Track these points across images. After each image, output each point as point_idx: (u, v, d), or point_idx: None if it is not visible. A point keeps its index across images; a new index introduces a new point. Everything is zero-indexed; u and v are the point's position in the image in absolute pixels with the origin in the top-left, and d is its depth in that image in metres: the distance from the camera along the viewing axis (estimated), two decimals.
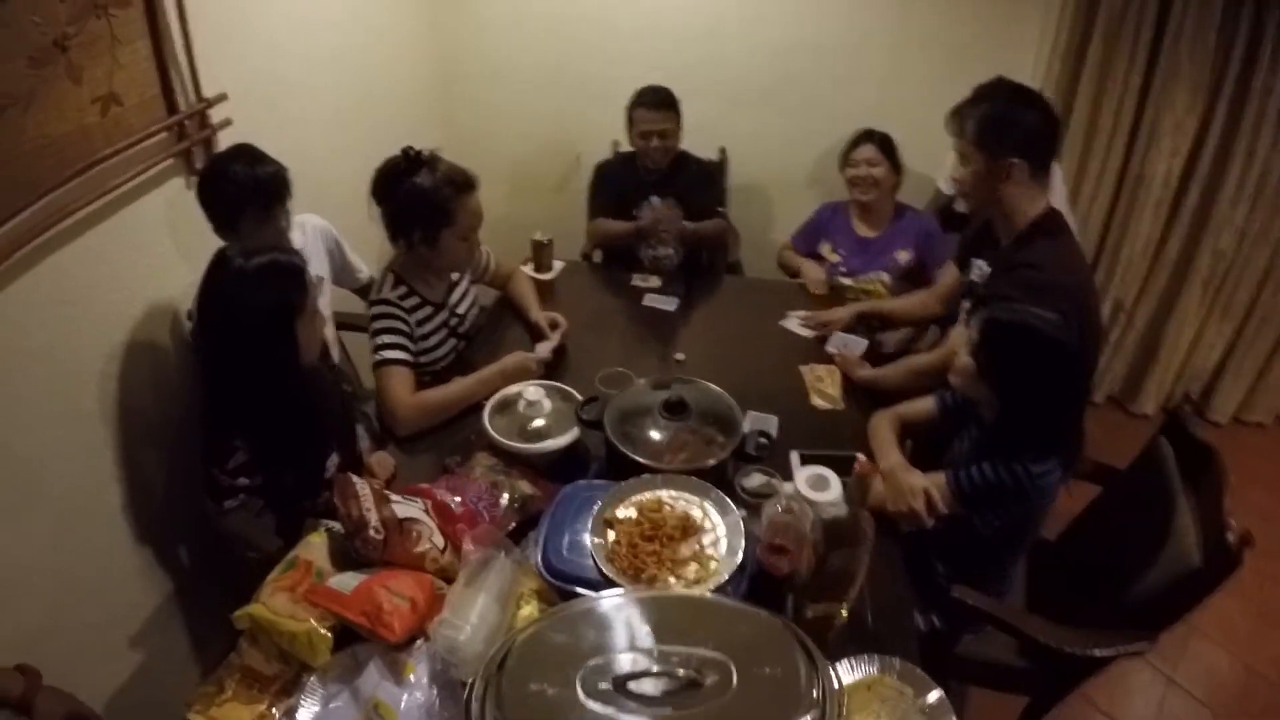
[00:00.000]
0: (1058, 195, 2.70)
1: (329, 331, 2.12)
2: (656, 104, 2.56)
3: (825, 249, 2.72)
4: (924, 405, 1.78)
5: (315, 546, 1.41)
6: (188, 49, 1.82)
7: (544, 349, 1.97)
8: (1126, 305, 3.23)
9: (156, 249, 1.84)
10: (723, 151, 3.12)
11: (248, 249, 1.50)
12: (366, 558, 1.36)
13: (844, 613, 1.26)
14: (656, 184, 2.69)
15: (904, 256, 2.62)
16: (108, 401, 1.73)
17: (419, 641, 1.27)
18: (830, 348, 2.18)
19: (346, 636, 1.27)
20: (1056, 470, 1.50)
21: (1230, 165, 2.92)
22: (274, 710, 1.23)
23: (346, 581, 1.32)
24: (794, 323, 2.29)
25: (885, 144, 2.57)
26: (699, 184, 2.77)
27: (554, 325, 2.10)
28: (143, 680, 1.87)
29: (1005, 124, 1.67)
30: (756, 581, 1.32)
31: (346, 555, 1.39)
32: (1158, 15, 2.72)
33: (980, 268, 1.90)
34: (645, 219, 2.62)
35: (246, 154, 1.75)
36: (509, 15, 3.15)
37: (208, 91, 1.90)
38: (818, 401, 1.98)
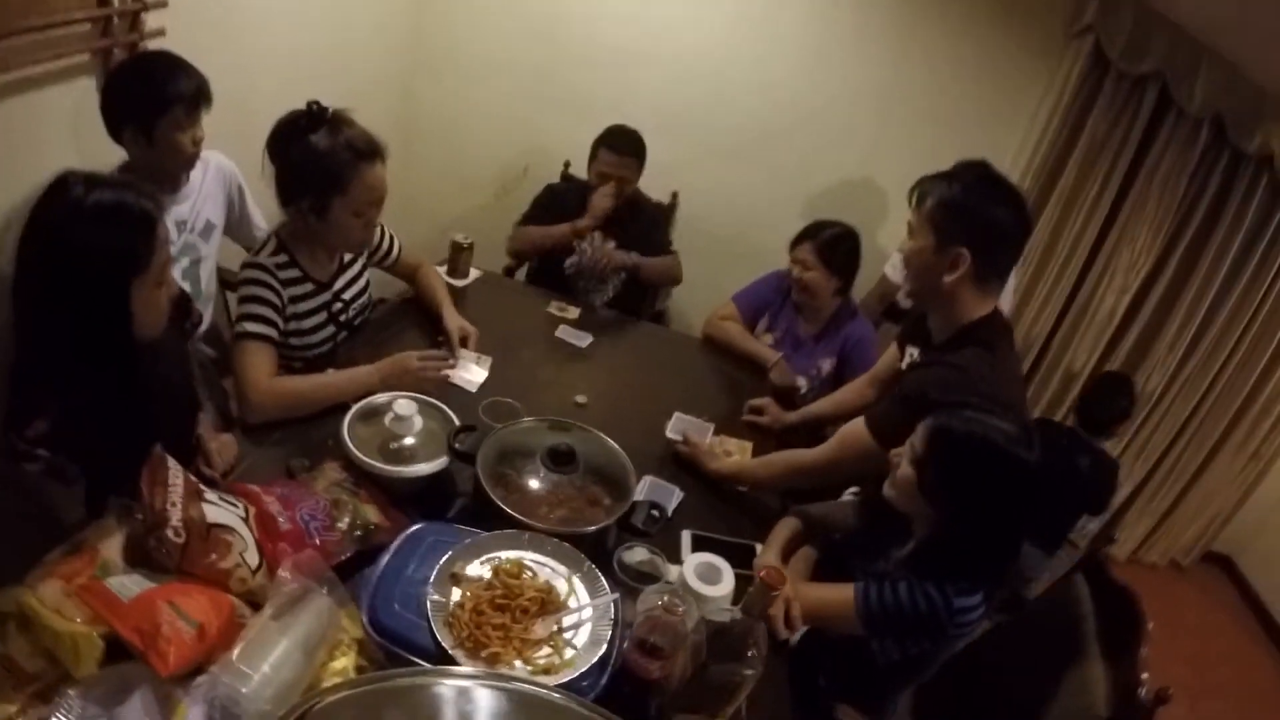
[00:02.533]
0: (1005, 298, 2.62)
1: (207, 287, 1.88)
2: (622, 148, 2.48)
3: (761, 325, 2.47)
4: (841, 510, 1.60)
5: (110, 533, 1.16)
6: None
7: (461, 372, 1.74)
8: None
9: (51, 149, 1.61)
10: (675, 195, 3.00)
11: (95, 179, 1.21)
12: (160, 561, 1.13)
13: None
14: (604, 222, 2.54)
15: (826, 366, 2.37)
16: None
17: (200, 678, 1.04)
18: (671, 434, 1.86)
19: (123, 647, 1.04)
20: (980, 608, 1.31)
21: (1175, 310, 2.95)
22: (23, 717, 1.00)
23: (128, 586, 1.09)
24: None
25: (827, 247, 2.27)
26: (648, 230, 2.64)
27: (464, 339, 1.86)
28: None
29: (966, 210, 1.46)
30: (619, 680, 1.11)
31: (145, 551, 1.14)
32: (1136, 150, 2.72)
33: (913, 356, 1.68)
34: (583, 258, 2.47)
35: (168, 59, 1.61)
36: (501, 7, 2.97)
37: None
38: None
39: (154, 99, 1.56)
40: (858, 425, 1.58)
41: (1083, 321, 3.02)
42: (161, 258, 1.25)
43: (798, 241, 2.32)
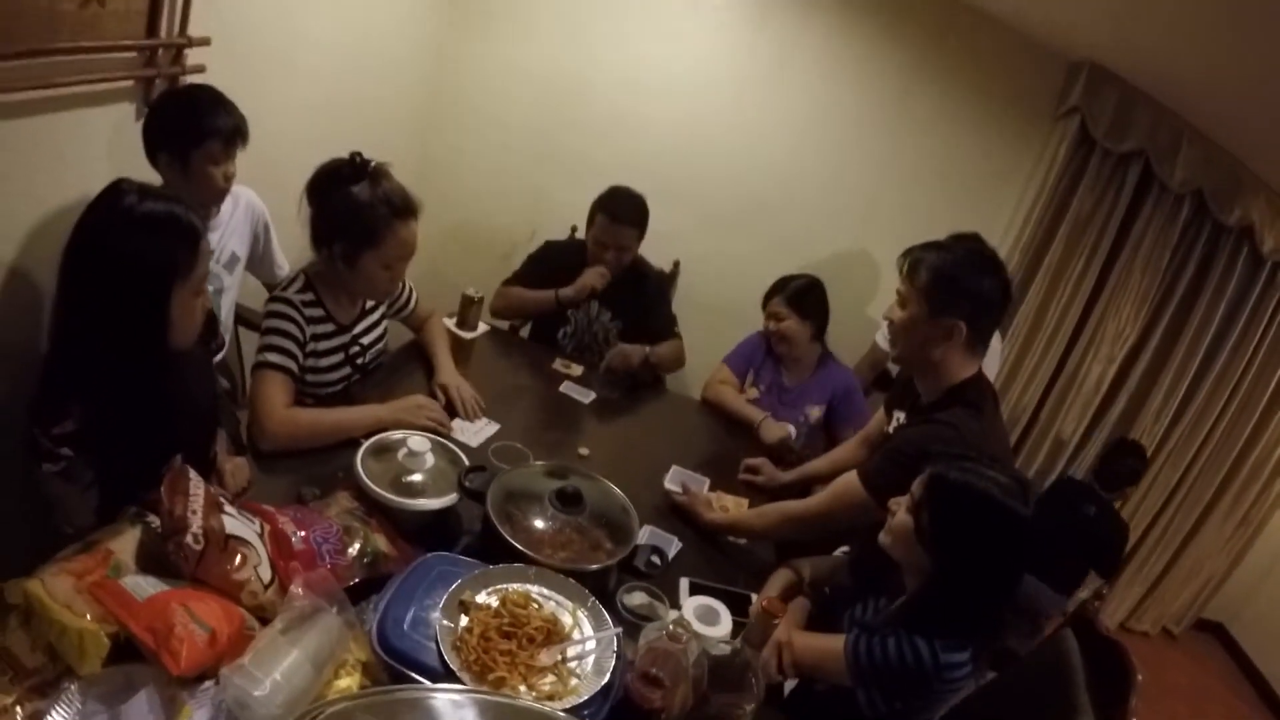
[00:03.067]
0: (992, 361, 2.70)
1: (226, 319, 1.93)
2: (620, 216, 2.38)
3: (748, 379, 2.55)
4: (832, 564, 1.64)
5: (124, 536, 1.19)
6: None
7: (463, 429, 1.82)
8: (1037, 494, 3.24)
9: (86, 167, 1.65)
10: (676, 264, 3.04)
11: (148, 189, 1.29)
12: (176, 567, 1.15)
13: None
14: (604, 289, 2.47)
15: (815, 413, 2.47)
16: None
17: (207, 683, 1.06)
18: (670, 484, 1.91)
19: (129, 649, 1.04)
20: (968, 666, 1.31)
21: (1161, 380, 3.02)
22: (19, 709, 0.99)
23: (143, 586, 1.10)
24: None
25: (796, 296, 2.39)
26: (651, 302, 2.61)
27: (444, 390, 1.92)
28: None
29: (958, 283, 1.53)
30: (620, 711, 1.13)
31: (157, 558, 1.17)
32: (1120, 226, 2.84)
33: (899, 420, 1.75)
34: (584, 332, 2.57)
35: (212, 95, 1.66)
36: (511, 70, 3.09)
37: (195, 29, 1.79)
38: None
39: (193, 130, 1.61)
40: (850, 477, 1.63)
41: (1070, 391, 3.08)
42: (202, 269, 1.31)
43: (769, 297, 2.46)
